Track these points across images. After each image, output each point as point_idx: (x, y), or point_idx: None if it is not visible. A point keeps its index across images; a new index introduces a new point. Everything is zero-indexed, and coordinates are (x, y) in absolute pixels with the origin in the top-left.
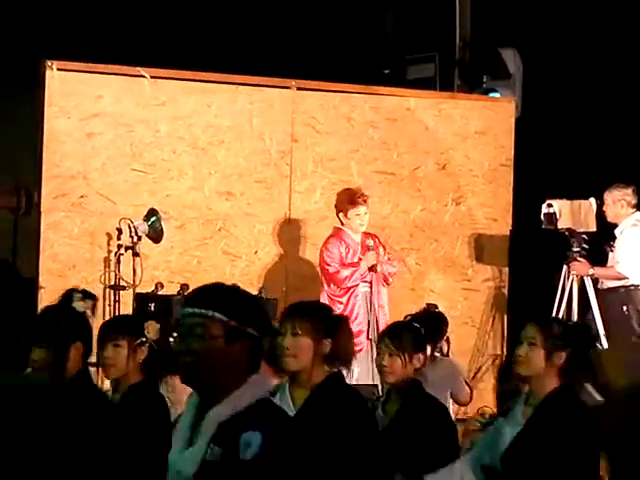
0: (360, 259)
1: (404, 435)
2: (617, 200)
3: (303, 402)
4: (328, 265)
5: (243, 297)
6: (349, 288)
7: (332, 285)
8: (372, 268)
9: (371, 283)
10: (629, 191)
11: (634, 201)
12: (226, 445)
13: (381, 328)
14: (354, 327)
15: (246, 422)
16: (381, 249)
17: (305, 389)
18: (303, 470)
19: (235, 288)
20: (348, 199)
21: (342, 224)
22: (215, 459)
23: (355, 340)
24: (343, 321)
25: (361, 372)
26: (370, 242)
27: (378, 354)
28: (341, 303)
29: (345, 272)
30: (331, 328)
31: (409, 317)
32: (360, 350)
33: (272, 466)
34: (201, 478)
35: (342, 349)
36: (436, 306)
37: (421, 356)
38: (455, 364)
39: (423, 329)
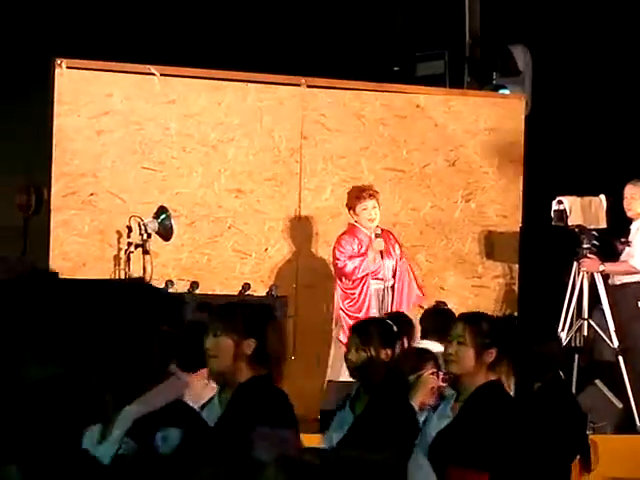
0: (367, 249)
1: (367, 433)
2: None
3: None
4: (338, 259)
5: (156, 293)
6: (361, 279)
7: (344, 279)
8: (382, 254)
9: (392, 284)
10: None
11: None
12: (141, 441)
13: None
14: None
15: (160, 420)
16: (397, 247)
17: (231, 390)
18: (217, 468)
19: (147, 284)
20: (355, 195)
21: (355, 222)
22: (129, 453)
23: None
24: (269, 320)
25: None
26: (378, 231)
27: (348, 349)
28: (353, 295)
29: (353, 263)
30: (254, 328)
31: (385, 314)
32: None
33: (189, 461)
34: (115, 470)
35: (270, 349)
36: (445, 303)
37: (389, 351)
38: None
39: (396, 327)
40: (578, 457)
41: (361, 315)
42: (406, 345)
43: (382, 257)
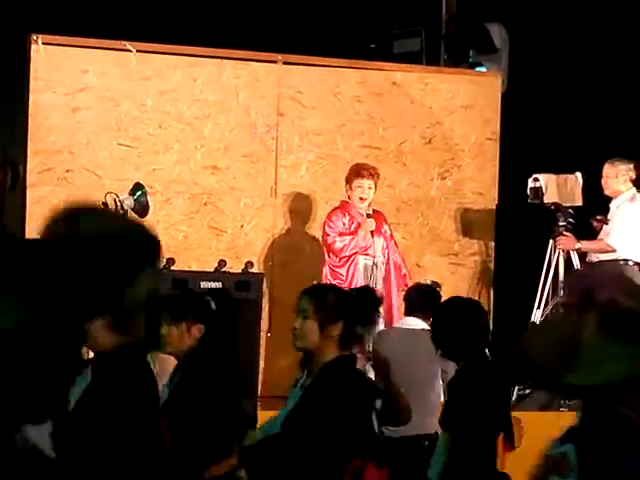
0: (358, 227)
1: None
2: (622, 174)
3: None
4: (327, 235)
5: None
6: (348, 258)
7: (332, 255)
8: (372, 234)
9: (382, 260)
10: (631, 166)
11: (634, 177)
12: None
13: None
14: None
15: None
16: (387, 227)
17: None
18: None
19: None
20: (355, 170)
21: (349, 197)
22: None
23: None
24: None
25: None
26: (369, 211)
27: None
28: (341, 274)
29: (343, 241)
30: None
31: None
32: None
33: None
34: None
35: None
36: (437, 284)
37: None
38: None
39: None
40: (502, 434)
41: None
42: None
43: (372, 235)
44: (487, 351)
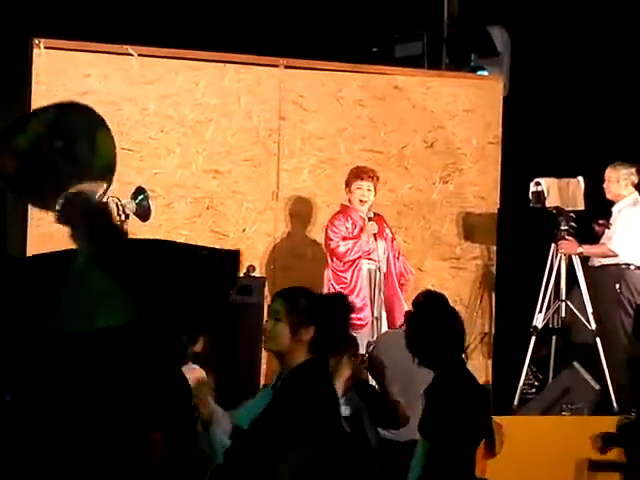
0: (361, 231)
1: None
2: (624, 178)
3: None
4: (331, 240)
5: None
6: (352, 262)
7: (335, 260)
8: (375, 237)
9: (384, 265)
10: (633, 170)
11: (636, 181)
12: None
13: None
14: (358, 302)
15: None
16: (388, 231)
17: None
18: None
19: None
20: (354, 173)
21: (349, 201)
22: None
23: (360, 315)
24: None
25: (362, 349)
26: (371, 214)
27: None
28: (345, 278)
29: (346, 245)
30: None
31: None
32: (365, 325)
33: None
34: None
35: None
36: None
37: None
38: None
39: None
40: (483, 441)
41: (352, 297)
42: None
43: (375, 239)
44: (463, 357)
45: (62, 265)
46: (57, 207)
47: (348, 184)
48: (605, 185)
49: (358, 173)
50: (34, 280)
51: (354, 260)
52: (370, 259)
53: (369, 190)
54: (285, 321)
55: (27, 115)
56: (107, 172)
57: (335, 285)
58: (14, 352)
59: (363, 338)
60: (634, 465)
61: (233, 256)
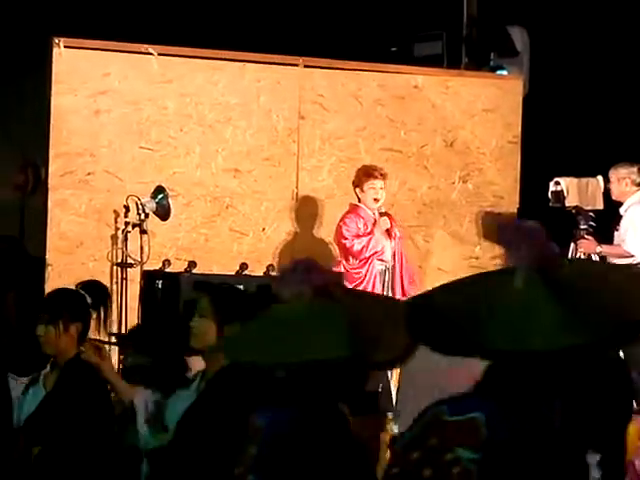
0: (373, 227)
1: (55, 409)
2: (622, 178)
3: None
4: (345, 239)
5: None
6: (367, 259)
7: (351, 259)
8: (388, 232)
9: (393, 265)
10: (634, 169)
11: (639, 180)
12: None
13: None
14: None
15: None
16: (397, 230)
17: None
18: None
19: None
20: (364, 172)
21: (359, 200)
22: None
23: None
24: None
25: None
26: (382, 209)
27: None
28: (359, 274)
29: (361, 243)
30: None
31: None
32: None
33: None
34: None
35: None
36: None
37: (79, 325)
38: None
39: (90, 297)
40: None
41: None
42: (102, 316)
43: (388, 236)
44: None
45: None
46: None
47: (359, 184)
48: (609, 186)
49: (369, 172)
50: None
51: (369, 257)
52: (381, 260)
53: (381, 188)
54: (211, 318)
55: None
56: None
57: (349, 284)
58: None
59: None
60: None
61: None
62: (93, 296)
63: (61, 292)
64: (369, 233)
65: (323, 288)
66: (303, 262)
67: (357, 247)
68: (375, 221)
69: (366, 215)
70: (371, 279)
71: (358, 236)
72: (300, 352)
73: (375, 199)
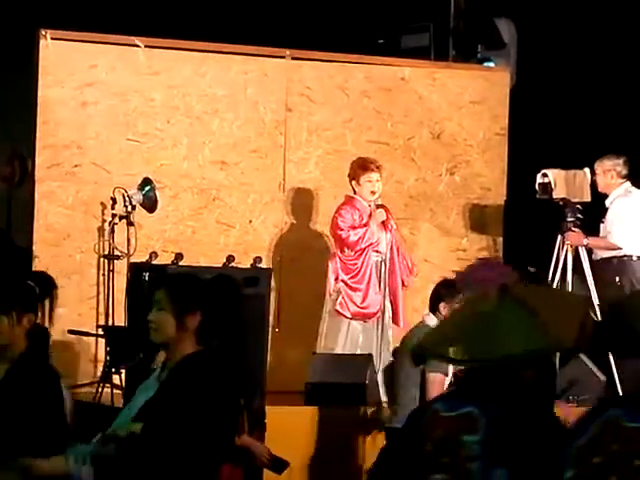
0: (369, 219)
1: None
2: (607, 170)
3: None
4: (341, 230)
5: None
6: (363, 250)
7: (346, 250)
8: (384, 224)
9: (391, 256)
10: (620, 161)
11: (624, 172)
12: None
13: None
14: (371, 293)
15: None
16: (393, 222)
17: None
18: None
19: None
20: (360, 165)
21: (354, 192)
22: None
23: (369, 305)
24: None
25: (365, 340)
26: (378, 201)
27: None
28: (355, 265)
29: (357, 234)
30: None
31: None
32: (374, 315)
33: None
34: None
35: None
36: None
37: (31, 317)
38: None
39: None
40: None
41: (362, 286)
42: (48, 308)
43: (384, 228)
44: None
45: None
46: None
47: (355, 177)
48: (595, 178)
49: (366, 165)
50: None
51: (364, 248)
52: (376, 251)
53: (378, 181)
54: (169, 309)
55: None
56: None
57: (344, 276)
58: None
59: (367, 331)
60: None
61: None
62: (40, 287)
63: (11, 282)
64: (365, 225)
65: (505, 285)
66: (486, 262)
67: (353, 238)
68: (371, 213)
69: (362, 207)
70: (367, 270)
71: (354, 227)
72: (496, 348)
73: (372, 192)
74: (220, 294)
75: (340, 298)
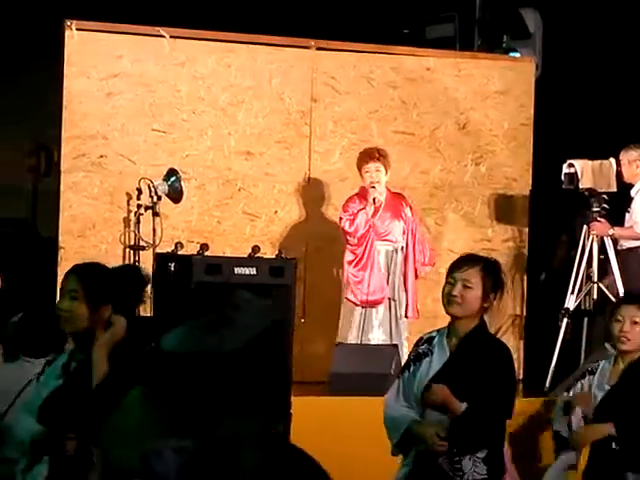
0: (376, 209)
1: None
2: (632, 160)
3: None
4: (341, 219)
5: None
6: (365, 238)
7: (349, 238)
8: (397, 213)
9: (406, 245)
10: None
11: None
12: None
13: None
14: (374, 280)
15: None
16: (409, 210)
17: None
18: None
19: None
20: (360, 157)
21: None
22: None
23: (371, 292)
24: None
25: (378, 329)
26: (381, 196)
27: None
28: (358, 253)
29: (354, 220)
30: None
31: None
32: (378, 302)
33: None
34: None
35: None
36: None
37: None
38: None
39: None
40: None
41: (366, 274)
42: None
43: (394, 218)
44: None
45: None
46: None
47: (359, 168)
48: (620, 168)
49: (364, 157)
50: None
51: (365, 234)
52: (386, 240)
53: (377, 171)
54: (82, 299)
55: None
56: None
57: (350, 264)
58: None
59: (374, 321)
60: None
61: None
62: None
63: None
64: (362, 208)
65: None
66: None
67: (352, 224)
68: (374, 202)
69: (369, 198)
70: (370, 259)
71: (353, 215)
72: None
73: (371, 182)
74: (127, 285)
75: (348, 287)
